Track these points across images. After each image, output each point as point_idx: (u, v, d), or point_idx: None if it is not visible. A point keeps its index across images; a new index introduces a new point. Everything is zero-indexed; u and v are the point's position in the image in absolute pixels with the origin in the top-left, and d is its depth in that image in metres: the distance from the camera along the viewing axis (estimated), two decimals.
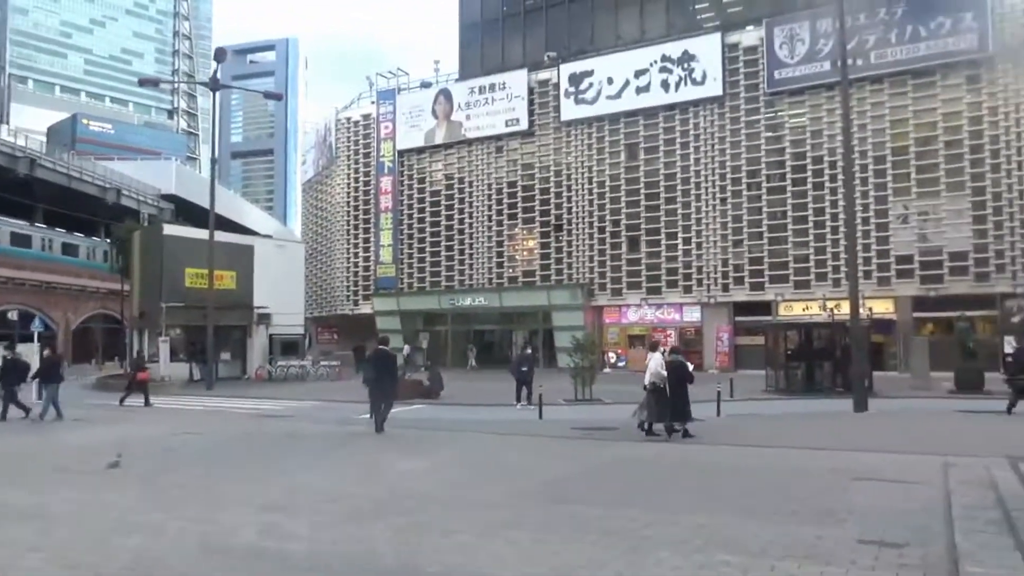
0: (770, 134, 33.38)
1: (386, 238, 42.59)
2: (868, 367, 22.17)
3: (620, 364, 36.45)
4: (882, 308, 30.83)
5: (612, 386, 26.88)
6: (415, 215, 42.13)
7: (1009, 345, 26.82)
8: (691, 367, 14.32)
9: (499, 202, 39.65)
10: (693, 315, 35.22)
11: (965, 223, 29.80)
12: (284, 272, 35.69)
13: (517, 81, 38.91)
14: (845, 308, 24.89)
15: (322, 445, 13.12)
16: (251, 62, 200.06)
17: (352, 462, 10.98)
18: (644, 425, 13.74)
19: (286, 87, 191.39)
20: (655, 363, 13.69)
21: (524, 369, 20.45)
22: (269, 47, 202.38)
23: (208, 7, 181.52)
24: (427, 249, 41.58)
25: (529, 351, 22.20)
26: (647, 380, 13.59)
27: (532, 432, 14.62)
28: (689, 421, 13.33)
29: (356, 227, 44.74)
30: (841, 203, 30.40)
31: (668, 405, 13.33)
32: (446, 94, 41.10)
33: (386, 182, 42.75)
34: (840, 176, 30.66)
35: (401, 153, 42.53)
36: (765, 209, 33.27)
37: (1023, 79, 28.96)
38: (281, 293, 35.18)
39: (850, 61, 30.20)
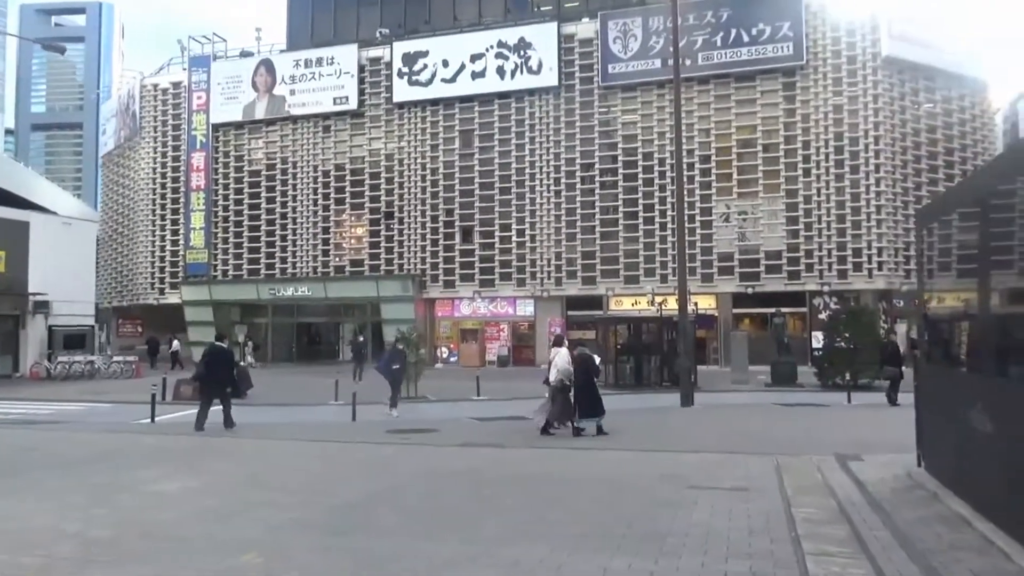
0: (603, 128, 33.38)
1: (197, 220, 38.57)
2: (694, 362, 22.40)
3: (452, 359, 35.21)
4: (705, 304, 31.62)
5: (442, 382, 25.55)
6: (231, 196, 38.46)
7: (816, 340, 28.44)
8: (598, 359, 13.40)
9: (326, 185, 37.02)
10: (526, 309, 34.63)
11: (779, 224, 31.22)
12: (71, 255, 31.16)
13: (347, 56, 36.44)
14: (672, 303, 25.07)
15: (68, 460, 10.55)
16: (57, 24, 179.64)
17: (94, 484, 8.65)
18: (544, 426, 12.71)
19: (99, 55, 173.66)
20: (562, 359, 12.75)
21: (396, 367, 17.30)
22: (79, 10, 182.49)
23: None
24: (245, 234, 38.09)
25: (401, 346, 19.20)
26: (553, 377, 12.67)
27: (341, 437, 12.81)
28: (602, 416, 12.54)
29: (163, 207, 40.20)
30: (670, 200, 30.90)
31: (569, 403, 12.54)
32: (268, 65, 37.79)
33: (198, 158, 38.70)
34: (669, 174, 31.15)
35: (216, 127, 38.65)
36: (598, 203, 33.23)
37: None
38: (66, 278, 30.70)
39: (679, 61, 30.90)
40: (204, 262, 38.46)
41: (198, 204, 38.60)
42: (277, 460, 10.69)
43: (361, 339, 30.82)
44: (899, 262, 30.60)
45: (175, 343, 35.02)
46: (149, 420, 15.59)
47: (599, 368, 13.05)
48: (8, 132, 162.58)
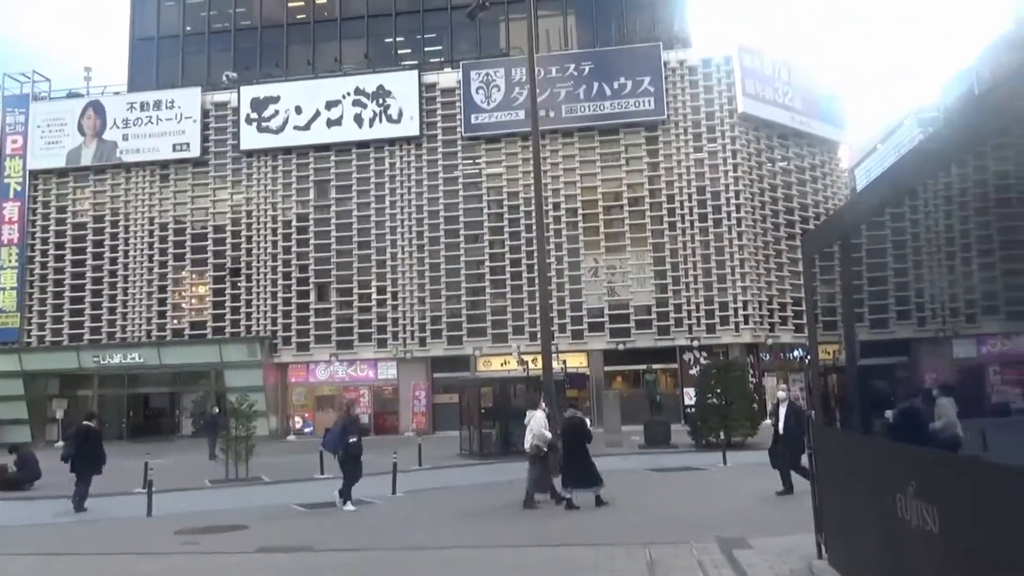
0: (467, 180, 31.96)
1: (8, 279, 33.61)
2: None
3: (307, 430, 31.89)
4: (576, 362, 30.39)
5: (287, 458, 22.58)
6: (51, 252, 33.86)
7: (689, 397, 27.59)
8: (588, 422, 12.25)
9: (163, 240, 33.27)
10: (389, 372, 32.07)
11: (648, 278, 30.58)
12: None
13: (189, 100, 33.37)
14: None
15: None
16: None
17: None
18: (527, 499, 11.89)
19: None
20: (538, 423, 11.89)
21: (353, 440, 12.77)
22: None
23: None
24: (66, 295, 33.47)
25: (356, 413, 14.97)
26: (528, 443, 11.88)
27: (108, 545, 9.89)
28: (600, 486, 11.44)
29: None
30: (537, 255, 29.62)
31: (548, 471, 11.85)
32: (97, 107, 34.01)
33: (11, 209, 33.97)
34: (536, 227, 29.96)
35: (34, 175, 34.21)
36: (463, 259, 31.49)
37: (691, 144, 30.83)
38: None
39: (542, 113, 30.04)
40: (15, 327, 33.41)
41: (9, 261, 33.71)
42: None
43: (216, 411, 26.87)
44: (764, 315, 30.60)
45: None
46: None
47: (591, 432, 11.97)
48: None
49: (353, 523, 11.35)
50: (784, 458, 11.80)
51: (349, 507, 12.46)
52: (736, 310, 29.87)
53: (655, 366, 29.46)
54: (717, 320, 29.85)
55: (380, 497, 13.97)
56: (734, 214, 30.49)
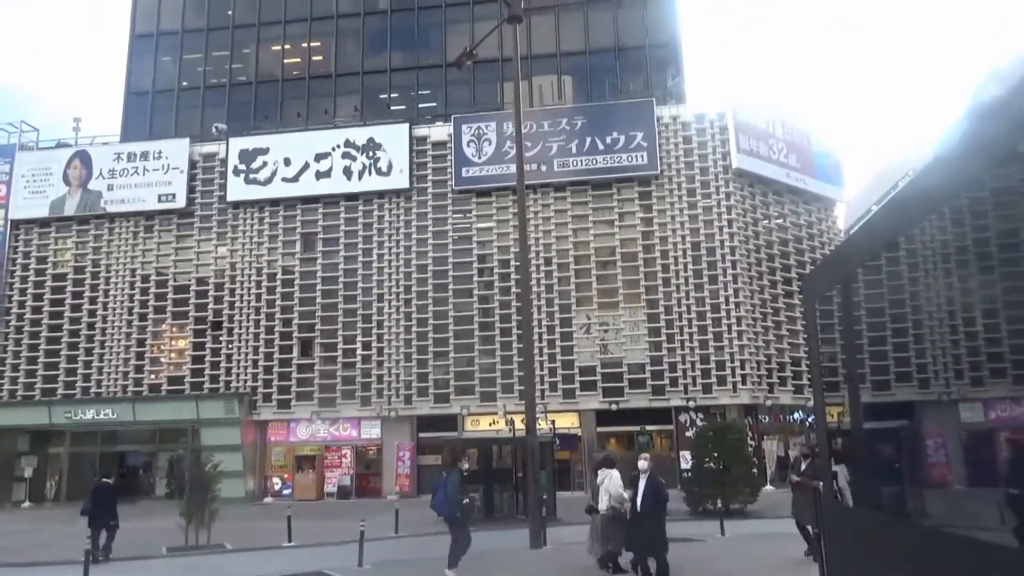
0: (457, 235, 31.32)
1: None
2: (552, 488, 19.74)
3: (286, 492, 30.46)
4: (567, 422, 29.16)
5: (257, 523, 21.27)
6: (29, 303, 32.92)
7: (685, 460, 26.33)
8: (663, 481, 11.01)
9: (144, 292, 32.38)
10: (373, 431, 30.79)
11: (642, 335, 29.66)
12: None
13: (176, 151, 32.91)
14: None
15: None
16: None
17: None
18: (608, 563, 11.32)
19: None
20: (614, 483, 11.26)
21: (467, 501, 12.33)
22: None
23: None
24: (41, 347, 32.39)
25: (467, 465, 13.70)
26: (604, 504, 11.17)
27: None
28: (665, 553, 10.31)
29: None
30: (521, 309, 28.77)
31: (621, 532, 11.05)
32: (83, 157, 33.54)
33: None
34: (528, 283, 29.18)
35: (16, 224, 33.51)
36: (451, 314, 30.59)
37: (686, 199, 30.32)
38: None
39: (534, 167, 29.74)
40: None
41: None
42: None
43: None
44: (762, 375, 29.57)
45: None
46: None
47: (667, 495, 10.73)
48: None
49: None
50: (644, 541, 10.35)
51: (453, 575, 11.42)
52: (733, 369, 28.86)
53: (649, 427, 28.29)
54: (714, 380, 28.80)
55: (343, 569, 12.78)
56: (730, 271, 29.76)
